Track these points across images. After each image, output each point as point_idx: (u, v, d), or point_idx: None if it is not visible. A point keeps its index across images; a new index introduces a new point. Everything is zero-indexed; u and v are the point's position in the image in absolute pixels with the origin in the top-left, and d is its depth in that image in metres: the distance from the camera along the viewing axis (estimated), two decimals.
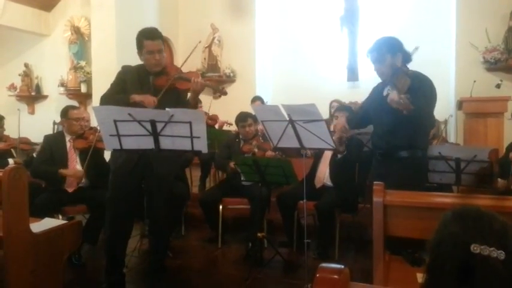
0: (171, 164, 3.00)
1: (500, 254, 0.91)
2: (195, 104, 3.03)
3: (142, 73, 2.96)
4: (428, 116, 2.74)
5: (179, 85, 2.92)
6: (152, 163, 2.76)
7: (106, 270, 2.99)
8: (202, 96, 5.98)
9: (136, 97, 2.77)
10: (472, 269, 0.93)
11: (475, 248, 0.92)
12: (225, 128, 5.97)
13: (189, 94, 3.00)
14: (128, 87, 2.90)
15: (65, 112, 3.81)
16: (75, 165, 3.72)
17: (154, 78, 2.93)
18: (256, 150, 4.09)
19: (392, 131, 2.72)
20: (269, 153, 4.02)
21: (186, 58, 3.06)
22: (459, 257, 0.95)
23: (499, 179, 3.46)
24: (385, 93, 2.71)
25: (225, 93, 3.14)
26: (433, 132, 3.93)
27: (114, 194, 2.92)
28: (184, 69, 3.09)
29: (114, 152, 2.95)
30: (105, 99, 2.87)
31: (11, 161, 4.32)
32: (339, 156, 3.76)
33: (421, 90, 2.59)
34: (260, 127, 4.33)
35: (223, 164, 4.25)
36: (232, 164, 4.02)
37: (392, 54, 2.69)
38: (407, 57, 2.76)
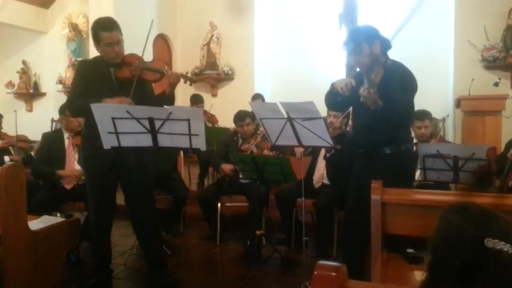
0: (144, 155, 2.82)
1: (510, 248, 0.90)
2: (172, 97, 2.89)
3: (101, 66, 2.79)
4: (407, 108, 2.61)
5: (147, 76, 2.78)
6: (126, 158, 2.70)
7: (96, 268, 3.03)
8: (203, 95, 6.04)
9: (110, 101, 2.62)
10: (480, 264, 0.91)
11: (489, 242, 0.90)
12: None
13: (154, 85, 2.91)
14: (89, 84, 2.76)
15: (64, 109, 3.80)
16: (74, 162, 3.71)
17: (116, 70, 2.78)
18: (254, 149, 4.09)
19: (371, 127, 2.62)
20: (266, 152, 4.02)
21: (145, 43, 2.77)
22: (470, 251, 0.93)
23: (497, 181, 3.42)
24: (361, 91, 2.51)
25: (195, 81, 3.06)
26: (431, 130, 3.92)
27: (95, 196, 2.89)
28: (182, 67, 3.05)
29: (85, 152, 2.91)
30: (73, 105, 2.78)
31: (6, 158, 4.30)
32: (327, 155, 3.75)
33: (400, 82, 2.51)
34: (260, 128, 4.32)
35: (217, 163, 4.23)
36: (225, 167, 4.02)
37: (369, 44, 2.57)
38: (386, 44, 2.64)
